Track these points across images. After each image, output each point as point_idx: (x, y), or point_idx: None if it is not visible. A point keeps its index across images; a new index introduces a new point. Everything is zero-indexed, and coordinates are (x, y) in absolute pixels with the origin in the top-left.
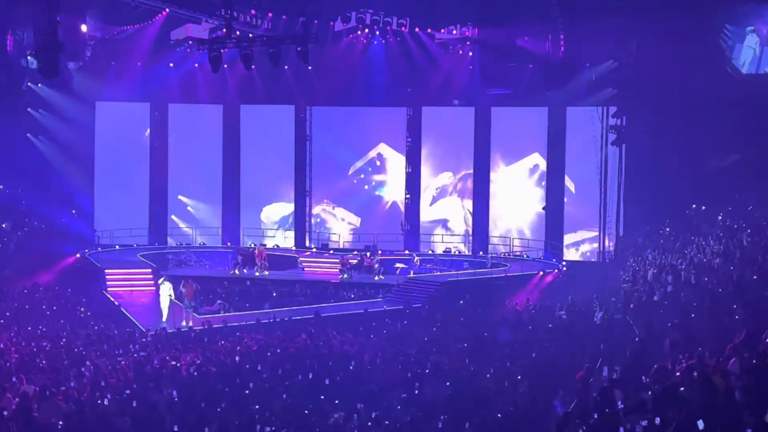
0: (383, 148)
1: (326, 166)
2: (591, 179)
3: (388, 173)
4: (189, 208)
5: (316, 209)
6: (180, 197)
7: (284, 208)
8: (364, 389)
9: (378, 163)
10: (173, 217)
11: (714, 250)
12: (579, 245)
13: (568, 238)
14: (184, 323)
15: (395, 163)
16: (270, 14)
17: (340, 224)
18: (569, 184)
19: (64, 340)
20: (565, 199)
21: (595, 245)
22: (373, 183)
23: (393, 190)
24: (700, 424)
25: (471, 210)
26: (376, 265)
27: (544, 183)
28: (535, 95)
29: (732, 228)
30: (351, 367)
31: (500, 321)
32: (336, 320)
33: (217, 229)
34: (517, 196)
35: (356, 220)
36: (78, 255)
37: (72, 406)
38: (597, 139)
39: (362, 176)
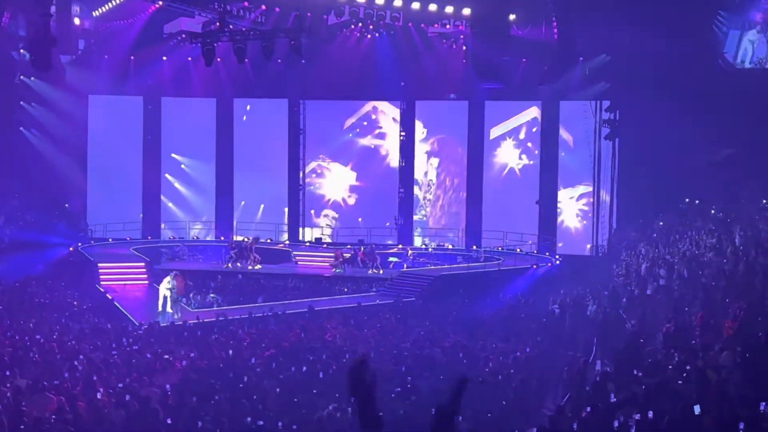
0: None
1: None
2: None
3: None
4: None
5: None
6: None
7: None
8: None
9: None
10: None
11: (707, 244)
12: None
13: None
14: (176, 316)
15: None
16: (263, 7)
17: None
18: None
19: (56, 334)
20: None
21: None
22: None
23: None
24: (697, 409)
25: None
26: (371, 268)
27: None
28: (528, 89)
29: (725, 222)
30: (344, 360)
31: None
32: (329, 314)
33: (210, 223)
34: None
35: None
36: (71, 248)
37: (63, 399)
38: (590, 134)
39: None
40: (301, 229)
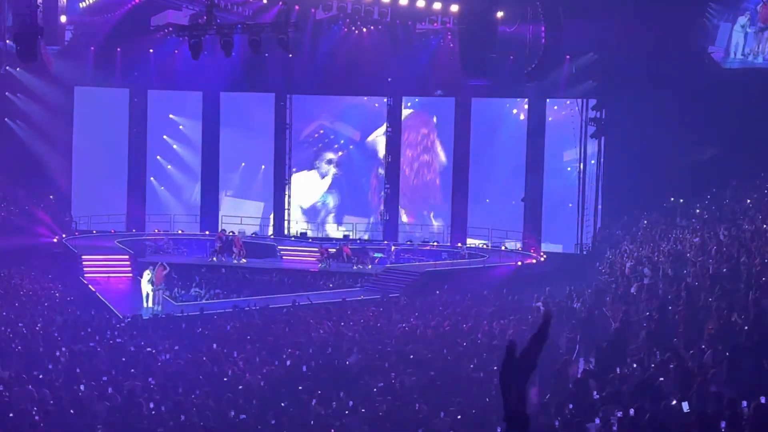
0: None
1: None
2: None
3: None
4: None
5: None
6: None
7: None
8: (341, 377)
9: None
10: (165, 137)
11: (691, 243)
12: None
13: None
14: (158, 308)
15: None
16: (251, 0)
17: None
18: None
19: (39, 325)
20: None
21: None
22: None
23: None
24: (685, 406)
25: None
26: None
27: None
28: (515, 86)
29: (709, 221)
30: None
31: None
32: (314, 309)
33: (195, 216)
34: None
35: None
36: (55, 239)
37: (46, 391)
38: (576, 132)
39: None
40: (286, 223)
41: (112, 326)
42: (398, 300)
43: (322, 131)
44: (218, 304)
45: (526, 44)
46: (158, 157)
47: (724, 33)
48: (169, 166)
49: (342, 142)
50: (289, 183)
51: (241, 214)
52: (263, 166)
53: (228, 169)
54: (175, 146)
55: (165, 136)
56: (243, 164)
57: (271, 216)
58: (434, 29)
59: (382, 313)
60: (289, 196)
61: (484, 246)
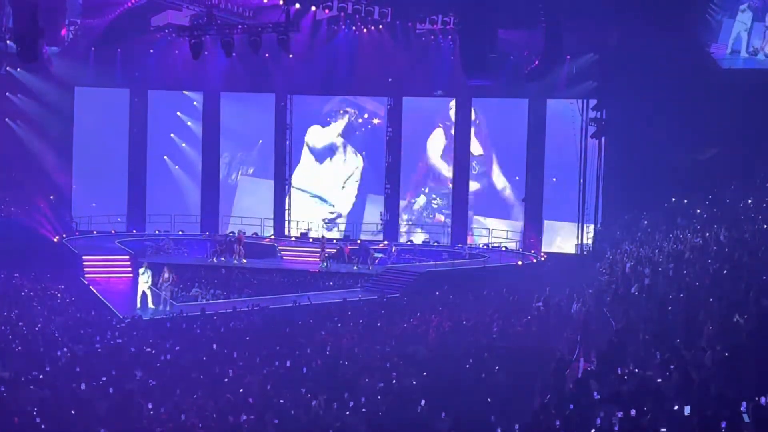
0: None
1: None
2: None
3: None
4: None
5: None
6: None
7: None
8: (341, 378)
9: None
10: (172, 135)
11: (692, 244)
12: None
13: None
14: (157, 308)
15: None
16: (251, 1)
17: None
18: None
19: (39, 325)
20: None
21: None
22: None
23: None
24: (687, 410)
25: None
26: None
27: None
28: (516, 86)
29: (710, 221)
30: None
31: None
32: (314, 309)
33: (196, 217)
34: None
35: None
36: (56, 239)
37: (47, 392)
38: (577, 131)
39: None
40: (287, 223)
41: (112, 327)
42: (398, 300)
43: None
44: (218, 304)
45: (526, 44)
46: (165, 157)
47: (727, 30)
48: (176, 167)
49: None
50: (290, 183)
51: (256, 197)
52: (260, 140)
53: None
54: (183, 145)
55: (172, 135)
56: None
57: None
58: (434, 29)
59: (383, 314)
60: (290, 197)
61: (484, 246)
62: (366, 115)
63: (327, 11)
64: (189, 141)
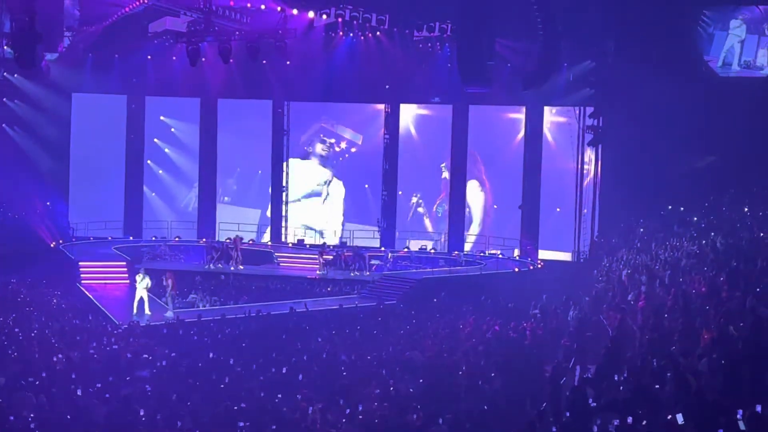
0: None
1: None
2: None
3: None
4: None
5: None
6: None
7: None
8: (338, 384)
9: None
10: (156, 140)
11: (688, 251)
12: None
13: None
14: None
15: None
16: (248, 5)
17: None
18: None
19: (35, 331)
20: None
21: None
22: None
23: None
24: (680, 418)
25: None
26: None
27: None
28: (513, 94)
29: (706, 229)
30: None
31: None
32: (311, 316)
33: (193, 224)
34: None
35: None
36: (53, 244)
37: (43, 398)
38: (574, 139)
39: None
40: (283, 230)
41: (108, 332)
42: (395, 307)
43: (321, 135)
44: (215, 310)
45: (523, 52)
46: (148, 161)
47: (719, 43)
48: (160, 171)
49: (343, 145)
50: (287, 190)
51: (238, 221)
52: (260, 171)
53: (225, 174)
54: (166, 150)
55: (156, 140)
56: (238, 169)
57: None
58: (432, 37)
59: (379, 320)
60: (287, 203)
61: (481, 254)
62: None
63: (325, 18)
64: (185, 147)
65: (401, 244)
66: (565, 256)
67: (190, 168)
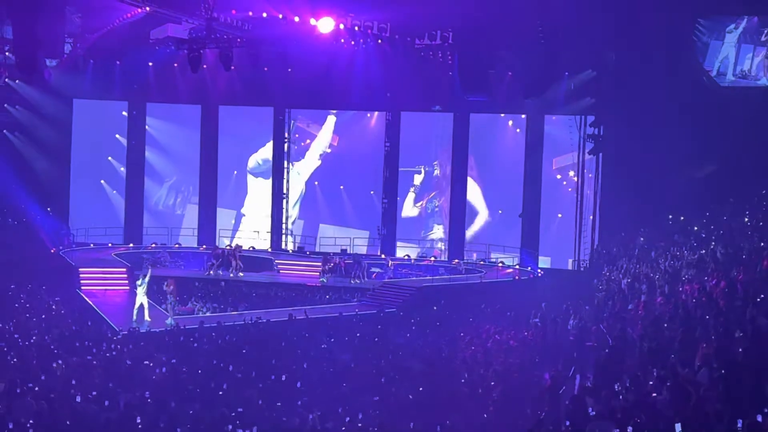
0: None
1: None
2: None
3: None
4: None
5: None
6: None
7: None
8: (337, 392)
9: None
10: (117, 136)
11: (688, 261)
12: None
13: None
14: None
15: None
16: (250, 14)
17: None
18: None
19: (34, 338)
20: None
21: None
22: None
23: None
24: (678, 427)
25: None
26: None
27: None
28: (513, 102)
29: (706, 239)
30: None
31: None
32: (310, 323)
33: (193, 230)
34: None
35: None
36: (53, 250)
37: (43, 404)
38: (574, 148)
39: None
40: (284, 237)
41: (108, 339)
42: (395, 314)
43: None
44: (215, 317)
45: (524, 61)
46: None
47: (714, 52)
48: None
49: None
50: (287, 197)
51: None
52: (235, 172)
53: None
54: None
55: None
56: (235, 173)
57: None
58: (433, 45)
59: (379, 328)
60: (287, 210)
61: (481, 262)
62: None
63: (326, 25)
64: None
65: (402, 252)
66: (566, 265)
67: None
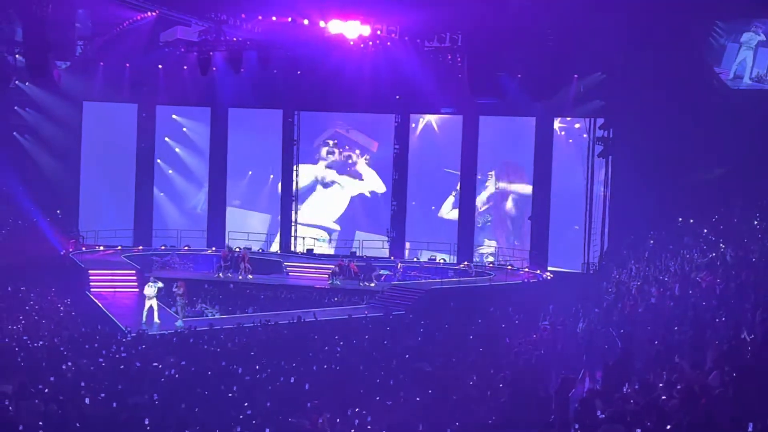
0: None
1: None
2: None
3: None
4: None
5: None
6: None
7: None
8: (347, 394)
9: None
10: (167, 138)
11: (698, 263)
12: None
13: None
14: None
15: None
16: (260, 17)
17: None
18: None
19: (45, 339)
20: None
21: None
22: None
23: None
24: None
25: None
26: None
27: None
28: (523, 105)
29: (716, 241)
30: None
31: None
32: (319, 325)
33: (203, 233)
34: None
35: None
36: (62, 252)
37: (54, 406)
38: (584, 150)
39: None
40: (293, 239)
41: (117, 341)
42: (404, 317)
43: (336, 141)
44: (224, 320)
45: (533, 63)
46: (158, 160)
47: (731, 54)
48: (170, 171)
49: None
50: (297, 199)
51: (246, 228)
52: (272, 176)
53: (236, 177)
54: (177, 149)
55: (167, 138)
56: (250, 173)
57: (278, 233)
58: (443, 47)
59: (388, 330)
60: (296, 213)
61: (491, 264)
62: (358, 151)
63: (335, 27)
64: (196, 147)
65: (412, 254)
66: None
67: (200, 169)
